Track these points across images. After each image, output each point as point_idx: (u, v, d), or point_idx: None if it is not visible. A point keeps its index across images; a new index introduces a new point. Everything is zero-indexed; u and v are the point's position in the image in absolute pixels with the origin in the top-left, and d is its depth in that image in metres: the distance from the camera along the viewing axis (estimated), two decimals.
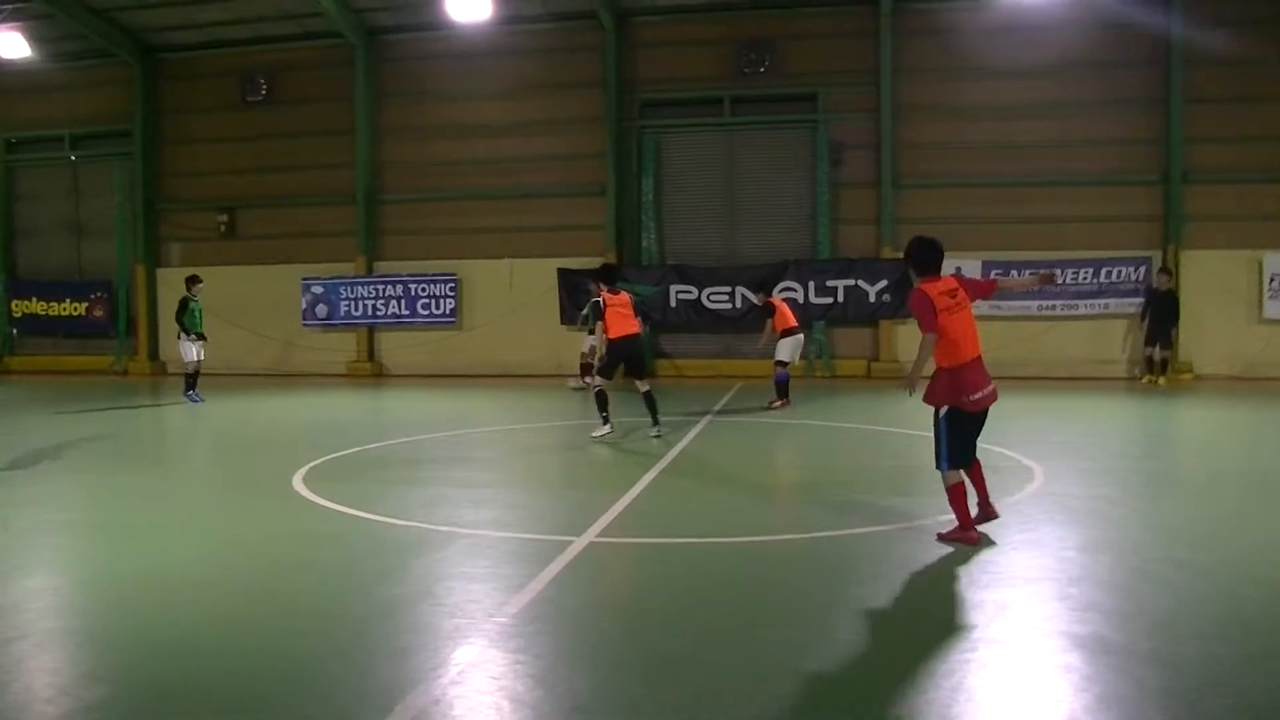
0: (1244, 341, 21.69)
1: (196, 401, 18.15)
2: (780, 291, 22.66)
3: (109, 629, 5.34)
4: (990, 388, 7.03)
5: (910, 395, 7.25)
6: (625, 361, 12.82)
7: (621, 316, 12.59)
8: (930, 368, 7.15)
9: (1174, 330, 21.34)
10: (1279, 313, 21.54)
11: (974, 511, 7.13)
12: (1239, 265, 21.56)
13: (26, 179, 27.80)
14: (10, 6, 23.73)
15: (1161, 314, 21.10)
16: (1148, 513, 8.28)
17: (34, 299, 27.12)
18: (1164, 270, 21.38)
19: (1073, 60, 22.08)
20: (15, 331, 27.52)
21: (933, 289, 6.99)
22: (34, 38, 24.88)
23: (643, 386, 12.95)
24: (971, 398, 6.92)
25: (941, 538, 6.98)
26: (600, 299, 12.67)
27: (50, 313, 26.99)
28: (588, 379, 15.85)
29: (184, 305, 18.69)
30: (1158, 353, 21.10)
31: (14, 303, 27.24)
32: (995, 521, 7.45)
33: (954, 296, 7.00)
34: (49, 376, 25.58)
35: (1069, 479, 9.63)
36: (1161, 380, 20.86)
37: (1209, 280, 21.78)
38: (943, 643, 4.96)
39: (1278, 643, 5.01)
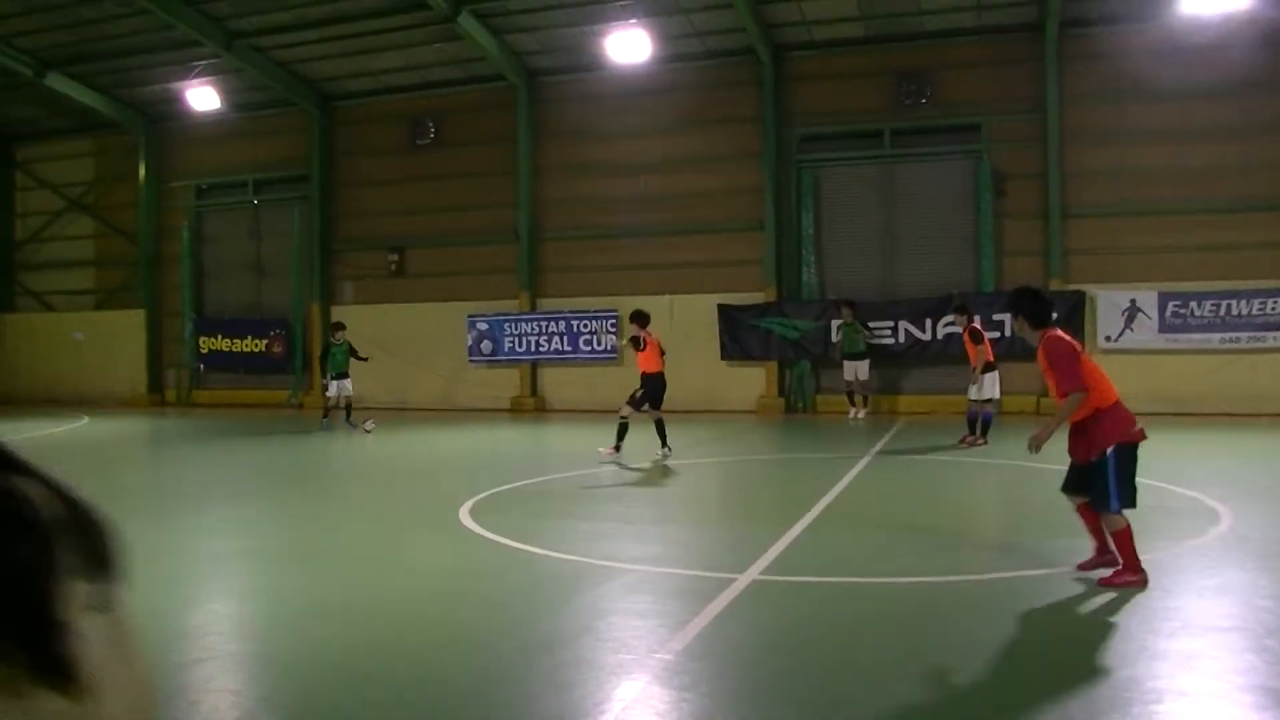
0: None
1: (354, 428, 19.62)
2: (945, 326, 22.17)
3: (286, 654, 5.55)
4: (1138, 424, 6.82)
5: (1037, 453, 6.90)
6: (654, 395, 14.25)
7: (659, 354, 14.34)
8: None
9: None
10: None
11: (1089, 554, 7.01)
12: None
13: (214, 222, 29.44)
14: (202, 63, 25.29)
15: None
16: None
17: (219, 336, 28.57)
18: None
19: (1249, 79, 20.99)
20: (202, 367, 29.01)
21: (1066, 335, 6.79)
22: (222, 90, 26.42)
23: (655, 415, 14.34)
24: (1135, 428, 6.73)
25: (1106, 582, 6.70)
26: (641, 338, 14.35)
27: (233, 349, 28.38)
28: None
29: (325, 350, 20.52)
30: None
31: (201, 339, 28.75)
32: (1179, 565, 7.09)
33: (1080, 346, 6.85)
34: (231, 409, 26.86)
35: (1260, 522, 9.09)
36: None
37: None
38: (1125, 694, 4.73)
39: None
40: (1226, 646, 5.54)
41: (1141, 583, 6.58)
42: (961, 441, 15.77)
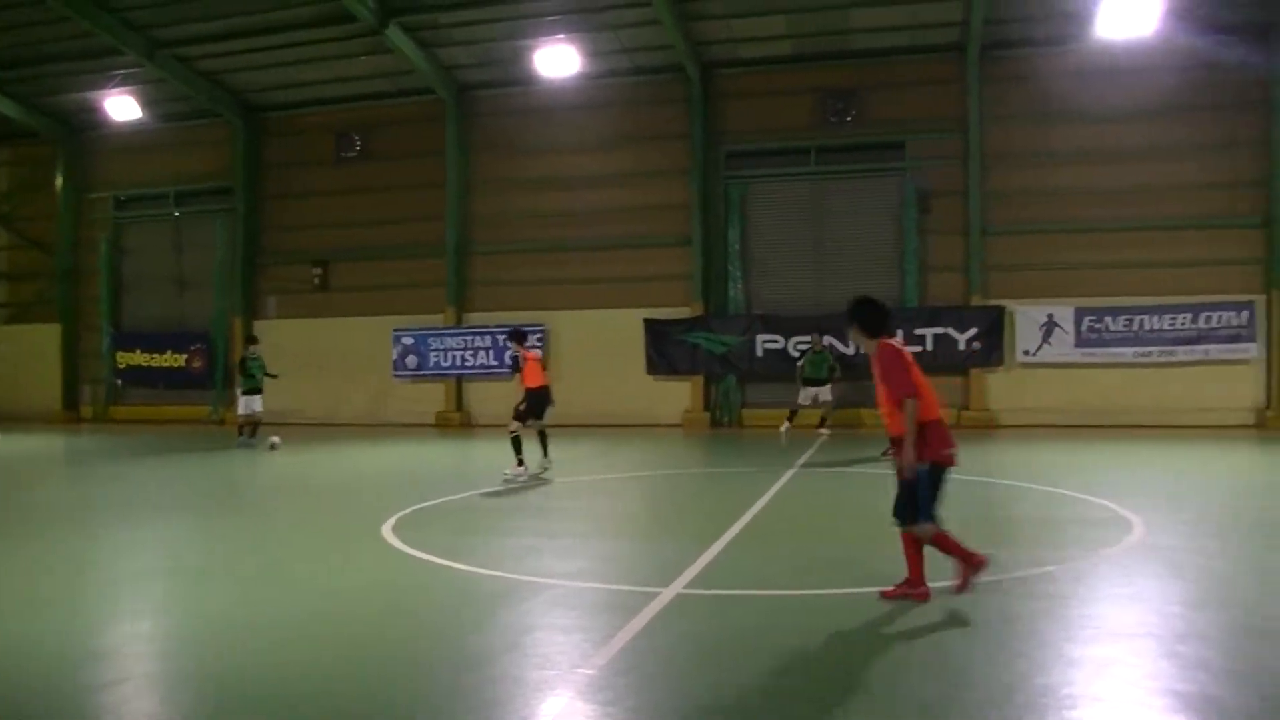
0: None
1: (248, 447, 19.03)
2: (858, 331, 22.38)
3: (204, 675, 5.43)
4: (956, 447, 6.76)
5: (911, 474, 6.64)
6: (537, 408, 14.42)
7: (540, 369, 14.58)
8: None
9: None
10: None
11: (900, 579, 6.88)
12: None
13: (133, 234, 28.88)
14: (123, 72, 24.79)
15: None
16: (1259, 566, 7.96)
17: (138, 350, 28.01)
18: None
19: (1165, 103, 21.71)
20: (120, 382, 28.39)
21: (899, 344, 6.76)
22: (143, 100, 25.96)
23: (538, 426, 14.43)
24: (947, 451, 6.67)
25: (888, 595, 6.65)
26: (520, 355, 14.73)
27: (152, 364, 27.84)
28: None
29: (241, 364, 19.96)
30: None
31: (119, 354, 28.15)
32: (1095, 574, 7.22)
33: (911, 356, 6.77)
34: (150, 425, 26.30)
35: (1170, 531, 9.32)
36: None
37: None
38: (1041, 700, 4.81)
39: None
40: (1139, 652, 5.66)
41: (923, 596, 6.58)
42: (885, 454, 15.90)
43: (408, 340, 25.74)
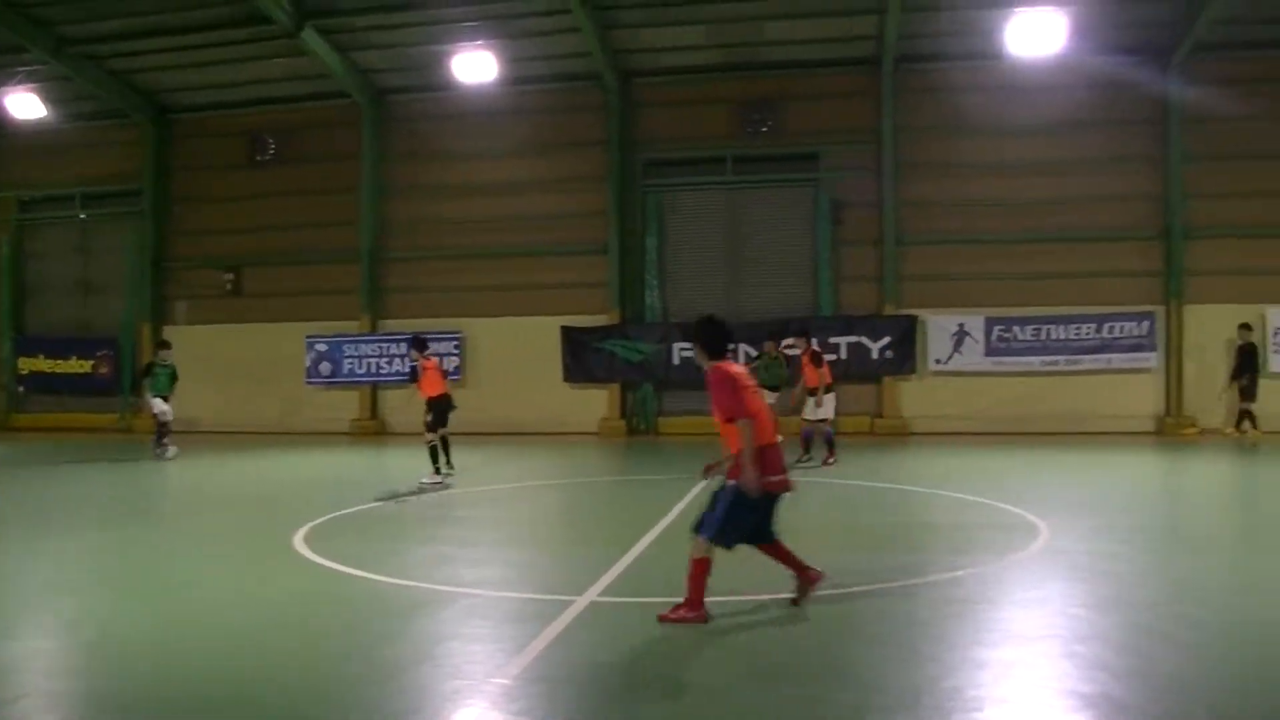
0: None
1: (162, 458, 18.28)
2: (784, 349, 22.64)
3: (109, 690, 5.31)
4: (786, 474, 6.69)
5: (753, 493, 6.49)
6: (440, 415, 14.49)
7: (439, 378, 14.66)
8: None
9: (1250, 380, 20.86)
10: None
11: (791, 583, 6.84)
12: (1241, 320, 21.49)
13: (37, 237, 28.03)
14: (26, 69, 24.06)
15: (1243, 367, 20.85)
16: (1156, 569, 8.21)
17: (41, 356, 27.22)
18: (1244, 326, 21.10)
19: (1072, 118, 22.33)
20: (22, 389, 27.56)
21: (733, 367, 6.72)
22: (48, 99, 25.21)
23: (443, 433, 14.58)
24: (770, 478, 6.53)
25: (664, 618, 6.42)
26: (419, 364, 14.72)
27: (56, 370, 27.08)
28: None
29: (149, 369, 19.26)
30: (1244, 406, 20.76)
31: (21, 360, 27.33)
32: (1003, 578, 7.37)
33: (748, 379, 6.73)
34: (54, 434, 25.56)
35: (1075, 535, 9.55)
36: (1255, 432, 20.34)
37: (1212, 335, 21.80)
38: (948, 703, 4.90)
39: None
40: (1043, 654, 5.80)
41: (701, 619, 6.40)
42: (801, 461, 16.08)
43: (321, 347, 25.37)
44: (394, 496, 12.95)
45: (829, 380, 16.51)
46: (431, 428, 14.36)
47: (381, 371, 24.91)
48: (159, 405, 18.76)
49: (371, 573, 8.00)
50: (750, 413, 6.46)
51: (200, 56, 23.94)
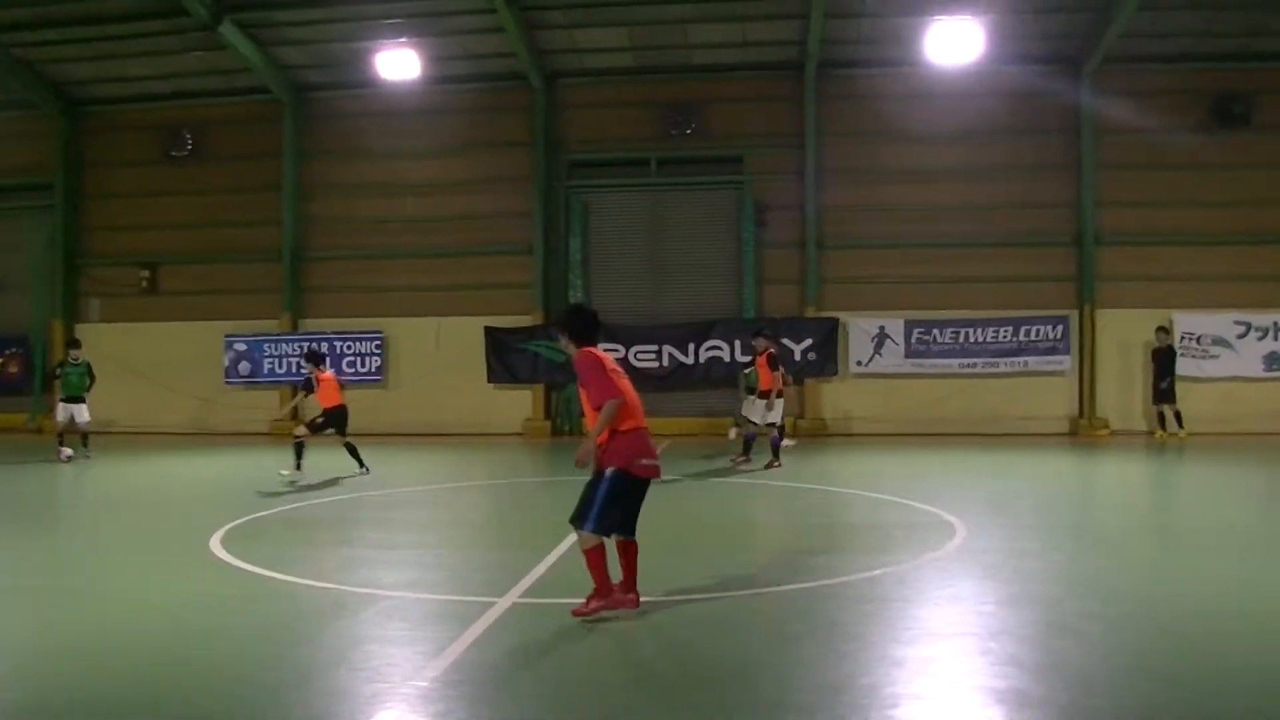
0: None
1: (85, 458, 17.76)
2: (707, 350, 22.93)
3: (14, 701, 5.16)
4: (658, 460, 6.81)
5: (586, 468, 6.77)
6: (338, 424, 14.93)
7: (334, 389, 14.98)
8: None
9: (1169, 384, 21.64)
10: (1190, 370, 22.14)
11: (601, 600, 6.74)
12: (1150, 324, 22.18)
13: None
14: None
15: (1161, 371, 21.60)
16: (1066, 567, 8.41)
17: None
18: (1161, 329, 21.89)
19: (989, 126, 22.82)
20: None
21: (600, 353, 6.81)
22: None
23: (344, 439, 15.06)
24: (643, 462, 6.68)
25: (579, 613, 6.49)
26: (313, 376, 15.06)
27: None
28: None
29: (59, 368, 18.80)
30: (1168, 409, 21.55)
31: None
32: (919, 577, 7.49)
33: (616, 364, 6.85)
34: None
35: (990, 534, 9.77)
36: (1182, 434, 21.18)
37: (1124, 339, 22.45)
38: (864, 700, 4.98)
39: (1186, 694, 5.11)
40: (957, 651, 5.93)
41: (619, 604, 6.52)
42: (736, 461, 16.09)
43: (240, 346, 24.95)
44: (315, 499, 12.78)
45: (780, 386, 16.21)
46: (313, 429, 14.80)
47: (302, 371, 24.50)
48: (70, 410, 18.14)
49: (289, 575, 7.90)
50: (617, 393, 6.57)
51: (114, 48, 23.42)
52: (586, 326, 6.91)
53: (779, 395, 16.18)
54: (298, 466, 14.30)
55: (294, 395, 18.51)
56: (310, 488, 13.68)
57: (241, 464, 18.31)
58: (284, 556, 8.69)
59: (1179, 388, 21.74)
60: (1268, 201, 22.34)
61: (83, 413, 18.28)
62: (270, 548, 9.22)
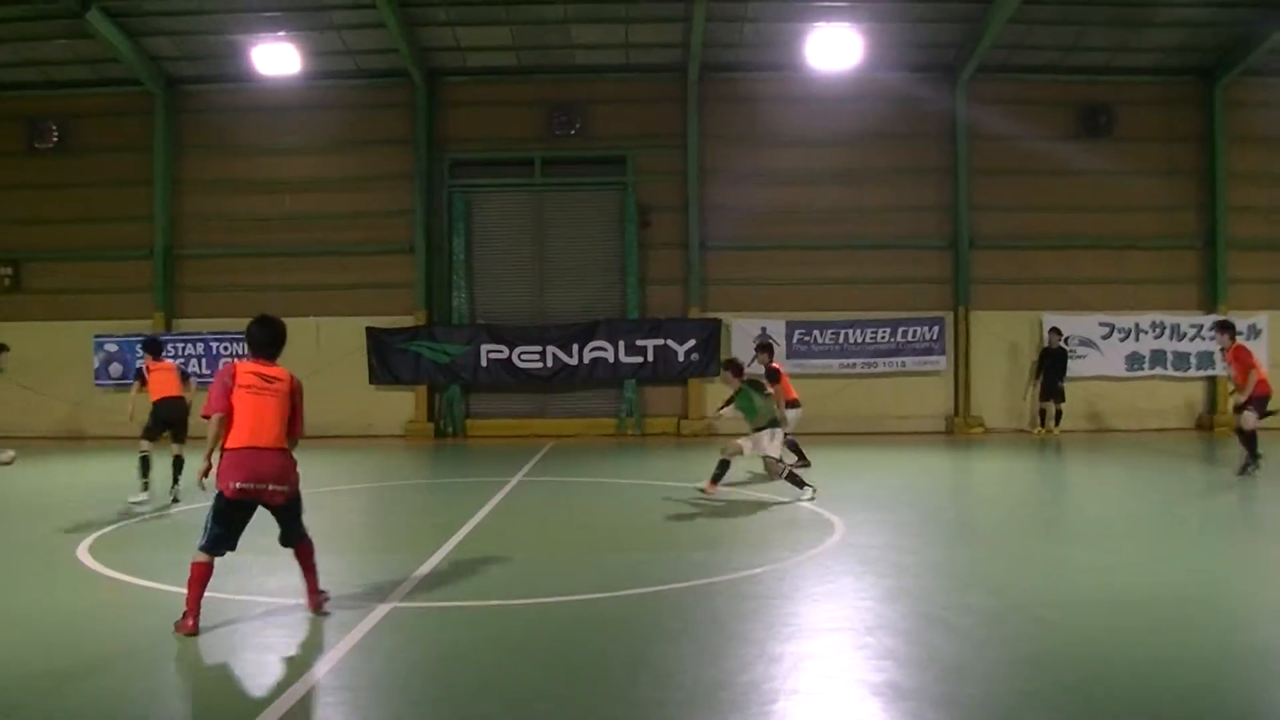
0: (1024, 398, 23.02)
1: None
2: (591, 351, 22.95)
3: None
4: (260, 486, 6.55)
5: (203, 484, 6.72)
6: (167, 424, 13.02)
7: (166, 382, 13.12)
8: None
9: (1062, 384, 22.55)
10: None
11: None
12: (1022, 325, 22.98)
13: None
14: None
15: (1055, 370, 22.44)
16: (941, 561, 8.65)
17: None
18: (1054, 330, 22.69)
19: (869, 131, 23.33)
20: None
21: (244, 367, 6.76)
22: None
23: (176, 450, 13.05)
24: (235, 483, 6.49)
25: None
26: (144, 366, 13.38)
27: None
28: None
29: None
30: (1051, 406, 22.48)
31: None
32: (798, 574, 7.63)
33: (270, 382, 6.74)
34: None
35: (869, 530, 9.99)
36: (1056, 430, 22.27)
37: (995, 340, 23.19)
38: (743, 697, 5.06)
39: (1056, 679, 5.32)
40: (834, 646, 6.06)
41: (189, 630, 6.21)
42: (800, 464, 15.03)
43: (111, 347, 24.10)
44: (190, 504, 12.42)
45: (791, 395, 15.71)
46: (148, 434, 12.96)
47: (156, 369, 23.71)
48: None
49: (163, 583, 7.66)
50: (222, 409, 6.50)
51: None
52: (258, 335, 6.99)
53: (790, 406, 15.37)
54: (144, 487, 12.62)
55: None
56: (184, 491, 13.28)
57: (113, 468, 17.67)
58: (156, 564, 8.44)
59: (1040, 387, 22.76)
60: (1130, 208, 23.37)
61: None
62: (141, 555, 8.96)
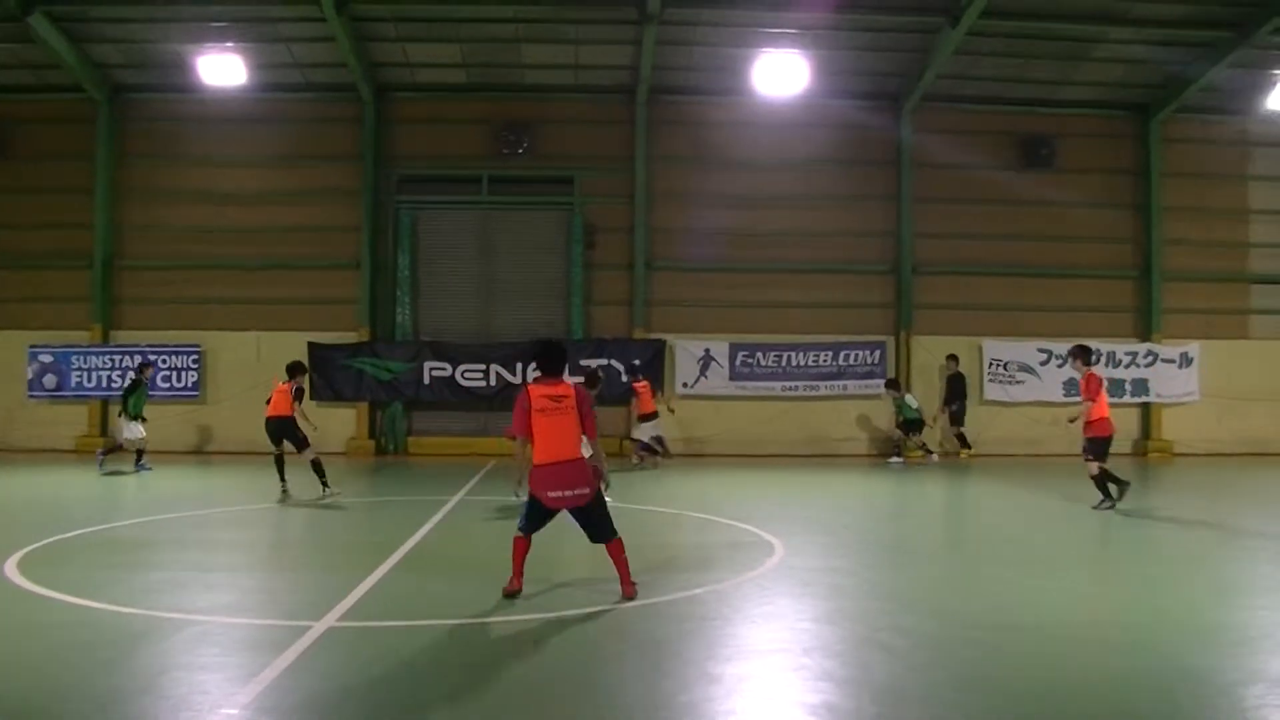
0: (969, 421, 23.25)
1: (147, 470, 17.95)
2: (535, 370, 22.79)
3: None
4: (569, 493, 7.66)
5: (518, 497, 7.96)
6: (273, 439, 14.61)
7: (272, 402, 14.79)
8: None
9: (960, 407, 22.99)
10: (998, 395, 23.43)
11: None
12: (962, 351, 23.27)
13: None
14: None
15: (956, 394, 22.90)
16: (878, 583, 8.72)
17: None
18: (952, 356, 23.06)
19: (815, 156, 23.68)
20: None
21: (536, 391, 7.68)
22: None
23: (304, 458, 14.56)
24: (550, 495, 7.65)
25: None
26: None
27: None
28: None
29: (135, 386, 19.10)
30: (957, 430, 23.01)
31: None
32: (738, 595, 7.67)
33: (558, 401, 7.65)
34: None
35: (808, 552, 10.06)
36: (964, 454, 22.68)
37: (937, 365, 23.51)
38: (683, 717, 5.08)
39: (991, 702, 5.39)
40: (773, 667, 6.09)
41: (515, 588, 7.73)
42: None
43: (46, 358, 23.65)
44: (124, 519, 12.22)
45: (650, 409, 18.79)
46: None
47: (114, 385, 23.37)
48: (139, 429, 18.15)
49: (93, 600, 7.53)
50: (523, 432, 7.67)
51: None
52: (547, 358, 7.84)
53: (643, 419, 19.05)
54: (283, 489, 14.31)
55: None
56: (119, 508, 13.07)
57: (44, 482, 17.37)
58: (87, 580, 8.28)
59: (986, 412, 23.06)
60: (1069, 238, 23.90)
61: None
62: (72, 571, 8.78)
